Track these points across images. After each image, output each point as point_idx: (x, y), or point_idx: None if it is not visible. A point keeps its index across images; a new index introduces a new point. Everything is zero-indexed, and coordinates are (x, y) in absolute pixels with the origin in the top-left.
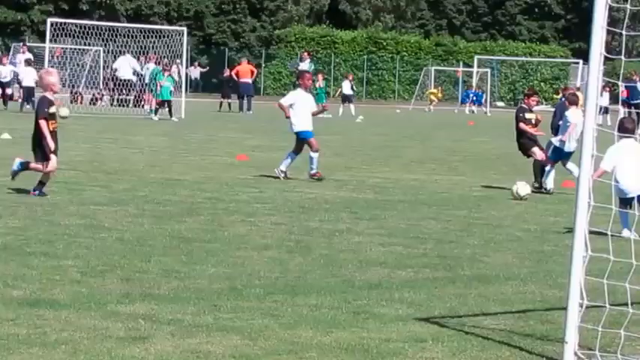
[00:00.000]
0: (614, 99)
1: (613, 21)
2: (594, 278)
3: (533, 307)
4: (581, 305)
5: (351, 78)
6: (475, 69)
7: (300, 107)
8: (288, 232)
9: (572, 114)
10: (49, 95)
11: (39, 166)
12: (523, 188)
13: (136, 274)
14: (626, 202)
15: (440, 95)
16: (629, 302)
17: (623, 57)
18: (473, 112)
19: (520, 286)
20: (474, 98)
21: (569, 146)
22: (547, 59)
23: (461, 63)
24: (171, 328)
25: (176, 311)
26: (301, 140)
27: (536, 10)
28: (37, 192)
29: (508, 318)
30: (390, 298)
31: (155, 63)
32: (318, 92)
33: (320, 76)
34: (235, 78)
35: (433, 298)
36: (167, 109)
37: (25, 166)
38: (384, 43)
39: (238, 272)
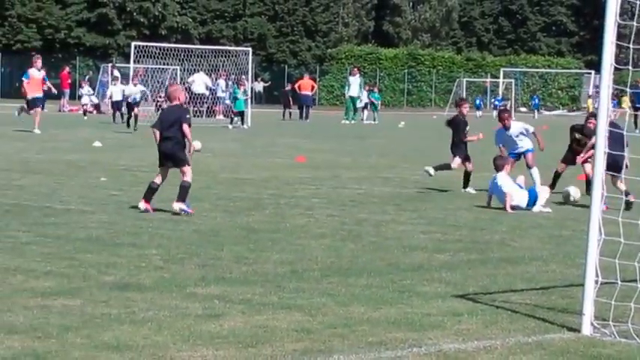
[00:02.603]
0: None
1: (620, 36)
2: (607, 258)
3: (554, 284)
4: (596, 282)
5: (367, 88)
6: (501, 79)
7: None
8: (341, 222)
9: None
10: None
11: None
12: (575, 192)
13: (210, 261)
14: None
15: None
16: (639, 279)
17: (630, 67)
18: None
19: (543, 266)
20: (495, 104)
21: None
22: (563, 70)
23: (489, 75)
24: (241, 307)
25: (246, 292)
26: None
27: (554, 28)
28: (186, 206)
29: (533, 294)
30: (430, 278)
31: (224, 79)
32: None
33: (375, 88)
34: (297, 90)
35: (468, 278)
36: (241, 119)
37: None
38: (422, 59)
39: (299, 258)
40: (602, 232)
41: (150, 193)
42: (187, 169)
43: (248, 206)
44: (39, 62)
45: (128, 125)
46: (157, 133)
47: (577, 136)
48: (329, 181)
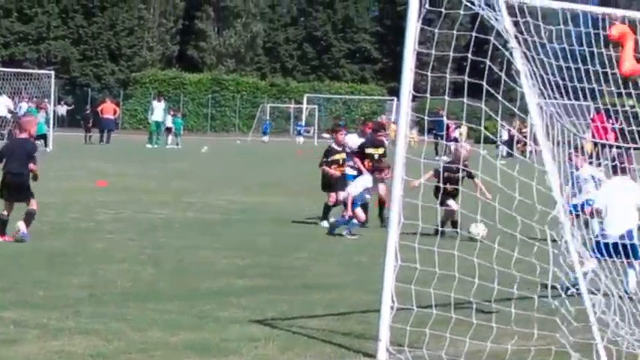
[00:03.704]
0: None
1: (422, 64)
2: (404, 284)
3: (352, 310)
4: (392, 308)
5: (172, 113)
6: (305, 105)
7: None
8: (142, 247)
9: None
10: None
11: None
12: (481, 228)
13: (10, 285)
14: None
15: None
16: (434, 304)
17: (429, 95)
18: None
19: (341, 292)
20: (298, 129)
21: None
22: (366, 97)
23: (292, 101)
24: (37, 332)
25: (42, 317)
26: None
27: (357, 55)
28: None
29: (330, 320)
30: (229, 304)
31: (26, 102)
32: (177, 126)
33: (179, 113)
34: (100, 114)
35: (266, 303)
36: (43, 142)
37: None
38: (226, 84)
39: (98, 282)
40: (398, 258)
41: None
42: (33, 200)
43: (50, 230)
44: None
45: None
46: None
47: (370, 150)
48: (131, 206)
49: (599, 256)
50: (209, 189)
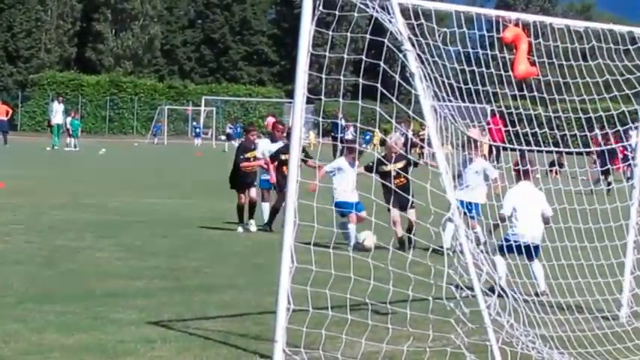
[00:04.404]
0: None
1: (321, 67)
2: (300, 286)
3: (248, 312)
4: (288, 309)
5: (72, 115)
6: (202, 107)
7: None
8: (38, 249)
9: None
10: None
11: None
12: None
13: None
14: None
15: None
16: (330, 306)
17: (323, 97)
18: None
19: (238, 294)
20: (196, 131)
21: None
22: (264, 99)
23: (190, 103)
24: None
25: None
26: None
27: (255, 57)
28: None
29: (227, 321)
30: (125, 305)
31: None
32: (75, 128)
33: (77, 115)
34: None
35: (162, 305)
36: None
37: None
38: (124, 86)
39: None
40: (294, 260)
41: None
42: None
43: None
44: None
45: None
46: None
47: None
48: (27, 208)
49: (506, 256)
50: (106, 191)
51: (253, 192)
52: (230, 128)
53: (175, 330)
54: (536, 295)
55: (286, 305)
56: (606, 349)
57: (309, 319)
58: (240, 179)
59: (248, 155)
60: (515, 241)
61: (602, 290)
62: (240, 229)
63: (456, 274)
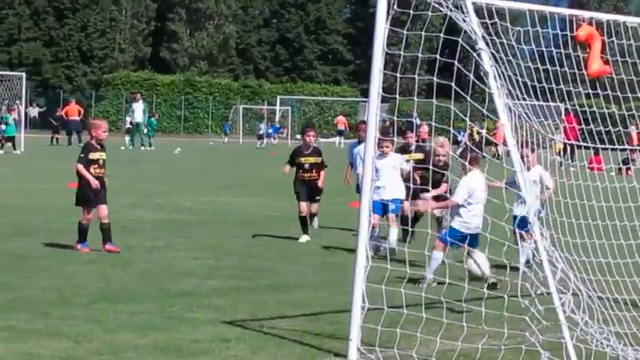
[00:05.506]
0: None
1: (395, 66)
2: (375, 285)
3: (323, 311)
4: (363, 308)
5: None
6: (278, 107)
7: None
8: None
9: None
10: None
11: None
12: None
13: None
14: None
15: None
16: (404, 305)
17: (397, 96)
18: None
19: (312, 293)
20: (270, 132)
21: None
22: (339, 98)
23: (266, 102)
24: (5, 335)
25: (10, 319)
26: None
27: (330, 56)
28: None
29: (301, 320)
30: (200, 305)
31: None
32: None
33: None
34: (65, 116)
35: (237, 304)
36: (12, 144)
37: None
38: (199, 86)
39: (67, 284)
40: (369, 259)
41: None
42: None
43: (17, 232)
44: None
45: None
46: None
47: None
48: None
49: (451, 243)
50: (181, 190)
51: (315, 207)
52: (260, 129)
53: (250, 329)
54: (490, 286)
55: (361, 304)
56: None
57: (384, 317)
58: (295, 187)
59: (303, 160)
60: (466, 229)
61: None
62: (303, 238)
63: (531, 272)
